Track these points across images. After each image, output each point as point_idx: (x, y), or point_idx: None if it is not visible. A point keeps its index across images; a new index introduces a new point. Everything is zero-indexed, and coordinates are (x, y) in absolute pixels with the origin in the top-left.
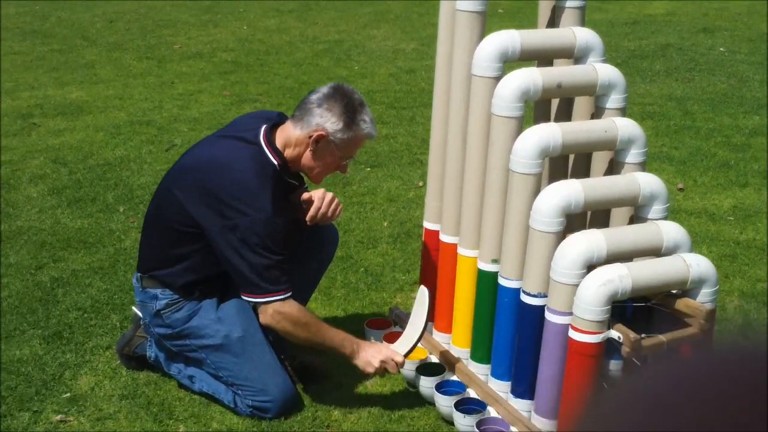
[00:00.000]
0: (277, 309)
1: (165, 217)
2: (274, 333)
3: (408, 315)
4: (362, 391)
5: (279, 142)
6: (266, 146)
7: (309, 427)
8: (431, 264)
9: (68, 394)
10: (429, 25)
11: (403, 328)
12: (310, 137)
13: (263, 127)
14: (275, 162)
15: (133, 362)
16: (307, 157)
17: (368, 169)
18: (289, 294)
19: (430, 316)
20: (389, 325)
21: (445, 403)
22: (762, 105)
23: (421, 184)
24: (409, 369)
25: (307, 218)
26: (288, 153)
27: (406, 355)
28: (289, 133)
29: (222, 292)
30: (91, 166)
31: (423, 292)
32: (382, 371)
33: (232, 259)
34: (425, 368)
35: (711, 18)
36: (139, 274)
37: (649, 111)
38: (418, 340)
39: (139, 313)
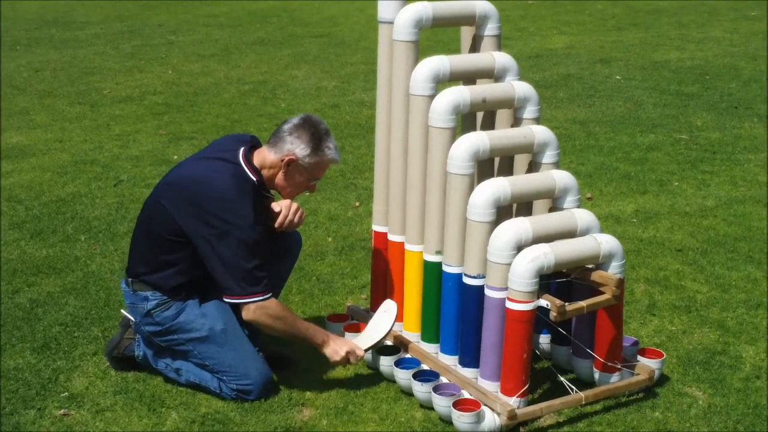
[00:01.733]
0: (259, 305)
1: (154, 227)
2: (248, 327)
3: (367, 313)
4: (329, 374)
5: (257, 162)
6: (245, 165)
7: (287, 406)
8: (382, 262)
9: (66, 394)
10: (347, 65)
11: (359, 320)
12: (282, 161)
13: (242, 149)
14: (254, 179)
15: (122, 363)
16: (280, 178)
17: (307, 193)
18: (269, 294)
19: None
20: (347, 318)
21: (403, 376)
22: (656, 124)
23: (357, 204)
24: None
25: (276, 225)
26: (264, 173)
27: (366, 351)
28: (264, 156)
29: (203, 291)
30: (45, 202)
31: (391, 305)
32: (345, 361)
33: (216, 266)
34: (383, 350)
35: (607, 50)
36: (130, 279)
37: (555, 133)
38: (379, 342)
39: (129, 315)
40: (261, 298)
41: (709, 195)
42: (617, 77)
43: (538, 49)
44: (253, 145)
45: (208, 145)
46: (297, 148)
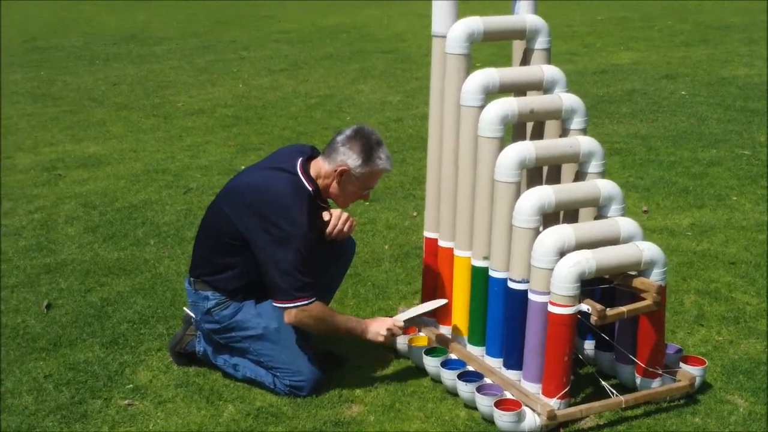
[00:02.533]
0: (300, 308)
1: (216, 231)
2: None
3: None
4: (378, 372)
5: (313, 173)
6: (302, 175)
7: (337, 402)
8: (432, 267)
9: (131, 385)
10: (412, 80)
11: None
12: (335, 171)
13: (299, 160)
14: (310, 188)
15: (184, 358)
16: (333, 187)
17: (367, 203)
18: (313, 300)
19: (435, 316)
20: None
21: (449, 377)
22: (719, 140)
23: (415, 214)
24: (417, 354)
25: (326, 233)
26: (320, 183)
27: (405, 323)
28: (320, 167)
29: (259, 293)
30: (119, 208)
31: (441, 301)
32: (390, 337)
33: (269, 270)
34: (430, 351)
35: (673, 66)
36: (192, 279)
37: (616, 148)
38: (416, 317)
39: (190, 312)
40: (306, 302)
41: (767, 210)
42: (682, 93)
43: (604, 64)
44: (311, 155)
45: (269, 155)
46: (349, 158)
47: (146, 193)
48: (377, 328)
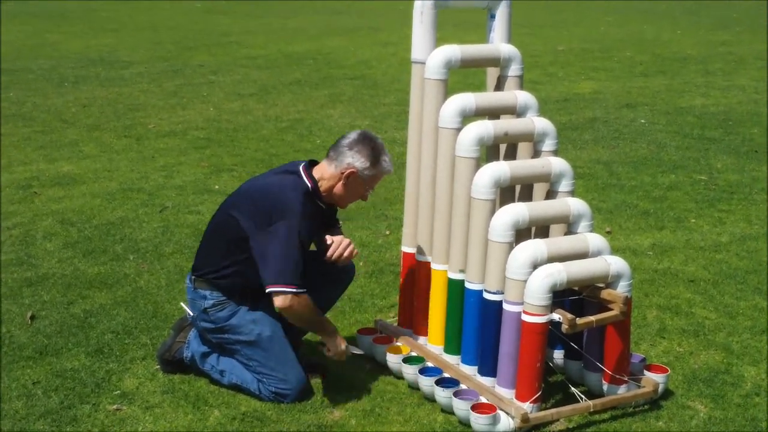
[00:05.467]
0: (294, 295)
1: (221, 230)
2: (290, 336)
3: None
4: (358, 381)
5: (315, 174)
6: (304, 174)
7: (319, 407)
8: (409, 280)
9: (118, 392)
10: (380, 105)
11: (387, 333)
12: (342, 173)
13: (303, 164)
14: (309, 184)
15: (171, 366)
16: (338, 188)
17: (341, 222)
18: (303, 291)
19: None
20: (376, 332)
21: (427, 383)
22: (678, 166)
23: (388, 233)
24: (395, 362)
25: (326, 257)
26: (322, 185)
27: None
28: (324, 169)
29: (257, 298)
30: (96, 225)
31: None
32: (336, 350)
33: (263, 256)
34: (408, 360)
35: (633, 95)
36: (193, 277)
37: (579, 173)
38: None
39: (188, 309)
40: (293, 290)
41: (723, 232)
42: (642, 121)
43: (566, 93)
44: (315, 162)
45: (279, 166)
46: (357, 161)
47: (122, 210)
48: (339, 340)
